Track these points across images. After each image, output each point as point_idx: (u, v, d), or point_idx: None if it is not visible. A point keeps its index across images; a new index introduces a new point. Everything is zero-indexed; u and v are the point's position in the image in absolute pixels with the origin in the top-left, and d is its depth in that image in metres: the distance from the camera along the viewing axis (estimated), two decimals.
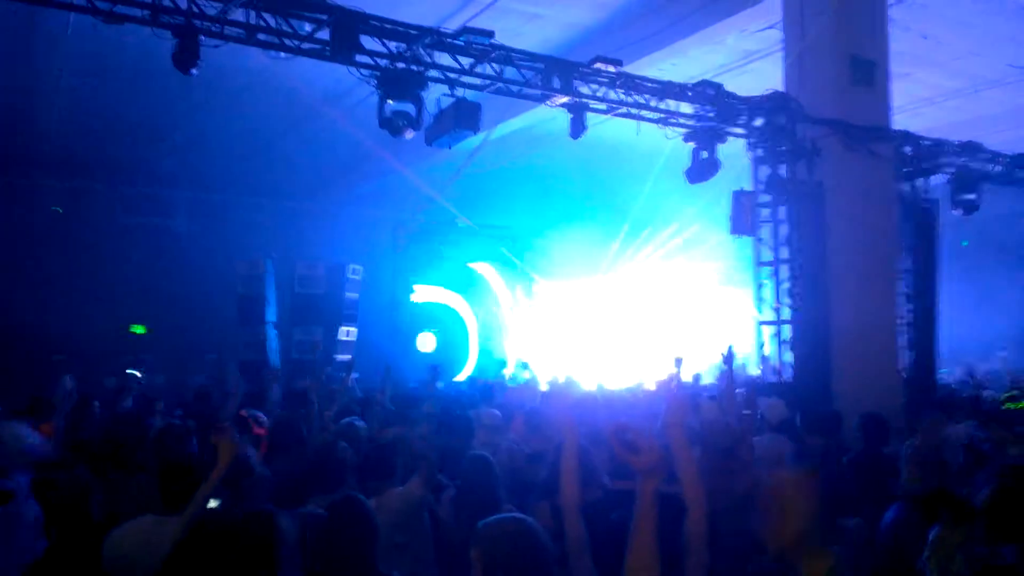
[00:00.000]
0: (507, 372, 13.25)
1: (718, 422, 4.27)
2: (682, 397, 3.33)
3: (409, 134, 6.32)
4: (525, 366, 13.16)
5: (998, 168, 10.27)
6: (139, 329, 13.45)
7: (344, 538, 3.02)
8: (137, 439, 4.58)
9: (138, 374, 10.18)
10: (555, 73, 7.33)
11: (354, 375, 10.85)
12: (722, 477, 3.25)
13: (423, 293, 14.56)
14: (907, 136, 8.95)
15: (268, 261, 11.80)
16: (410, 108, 6.29)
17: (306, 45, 6.18)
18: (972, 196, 9.79)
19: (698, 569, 2.70)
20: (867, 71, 8.29)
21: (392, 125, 6.27)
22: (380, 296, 13.61)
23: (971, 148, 9.82)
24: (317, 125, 11.95)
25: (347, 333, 12.59)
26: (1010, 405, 5.01)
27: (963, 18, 10.59)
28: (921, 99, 12.73)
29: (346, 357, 12.19)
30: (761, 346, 8.75)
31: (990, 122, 12.96)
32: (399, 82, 6.22)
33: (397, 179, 13.16)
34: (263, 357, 11.22)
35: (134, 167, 12.93)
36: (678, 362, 4.15)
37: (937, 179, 9.79)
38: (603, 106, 7.73)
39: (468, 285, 15.25)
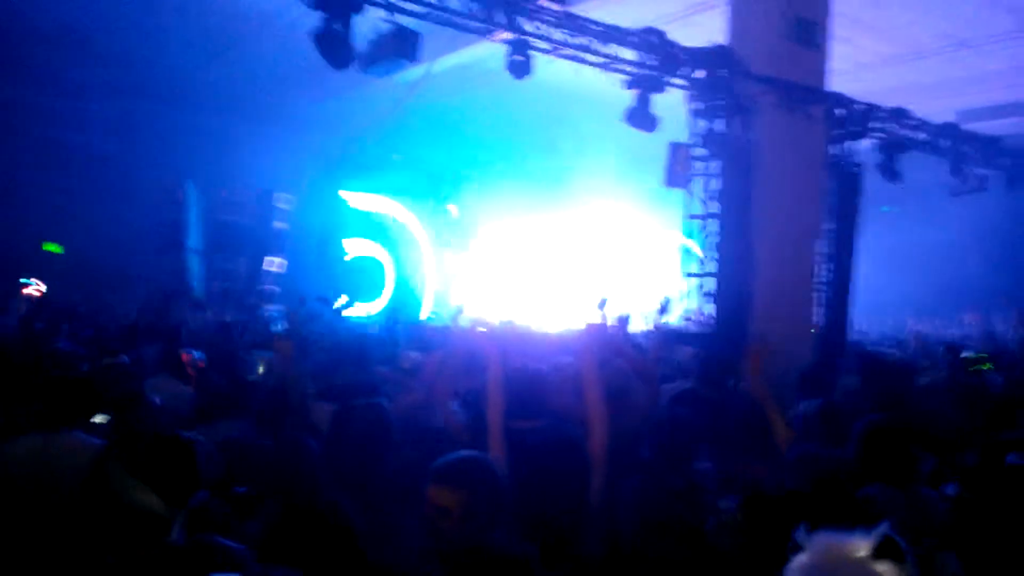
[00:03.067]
0: (440, 313, 13.22)
1: (611, 364, 4.39)
2: (597, 328, 3.42)
3: (345, 60, 6.10)
4: (459, 311, 13.13)
5: (923, 136, 10.58)
6: (53, 248, 12.86)
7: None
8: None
9: (39, 288, 9.64)
10: (499, 7, 7.15)
11: (278, 308, 10.72)
12: (612, 417, 3.37)
13: (360, 201, 14.12)
14: (840, 99, 9.11)
15: (190, 184, 11.38)
16: (343, 30, 6.05)
17: None
18: (896, 162, 10.08)
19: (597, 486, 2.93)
20: (809, 31, 8.36)
21: (326, 47, 6.03)
22: (309, 227, 13.29)
23: (899, 114, 10.08)
24: (250, 43, 11.43)
25: (271, 263, 12.30)
26: (980, 367, 5.26)
27: None
28: (859, 63, 12.94)
29: (274, 288, 11.97)
30: (685, 296, 8.95)
31: (923, 91, 13.29)
32: (335, 3, 5.96)
33: (332, 107, 12.77)
34: (183, 285, 10.92)
35: (52, 77, 12.16)
36: (602, 303, 4.21)
37: (865, 144, 10.03)
38: (547, 46, 7.61)
39: (402, 223, 15.01)
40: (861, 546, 1.51)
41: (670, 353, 7.12)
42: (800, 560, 1.54)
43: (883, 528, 1.53)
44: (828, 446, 4.02)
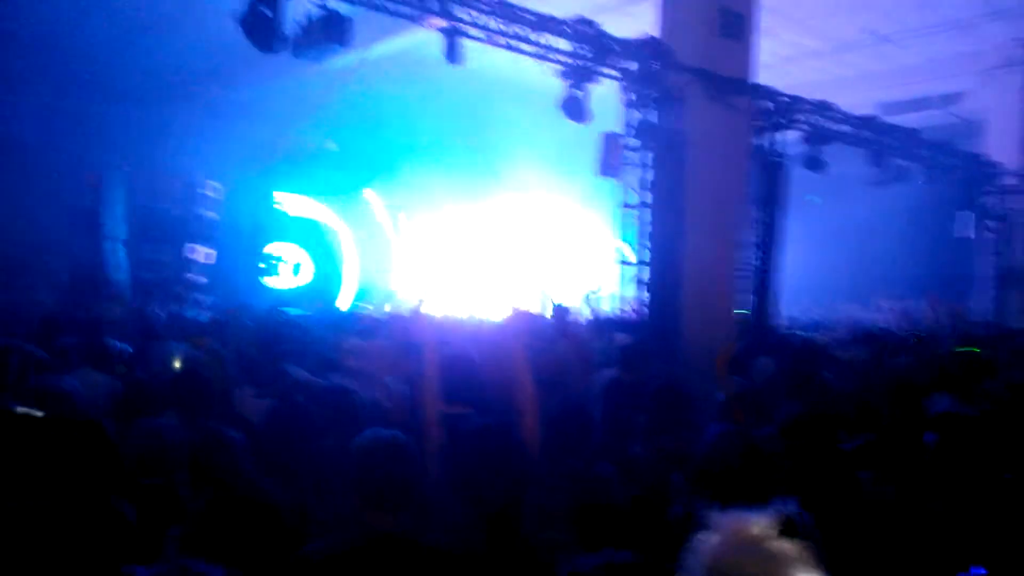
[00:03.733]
0: (367, 302, 13.12)
1: (543, 352, 4.48)
2: (523, 315, 3.48)
3: (273, 44, 5.97)
4: (391, 298, 13.07)
5: (846, 128, 10.96)
6: None
7: None
8: None
9: None
10: None
11: (210, 299, 10.46)
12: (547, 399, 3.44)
13: (290, 203, 13.93)
14: (765, 91, 9.36)
15: (117, 172, 10.97)
16: (272, 14, 5.93)
17: None
18: (820, 154, 10.42)
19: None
20: (736, 24, 8.56)
21: (253, 31, 5.90)
22: (239, 217, 12.97)
23: (823, 107, 10.41)
24: (176, 28, 11.06)
25: (195, 251, 11.93)
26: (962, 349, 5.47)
27: None
28: (784, 57, 13.32)
29: (201, 279, 11.66)
30: (619, 285, 9.09)
31: (845, 84, 13.78)
32: None
33: (264, 93, 12.47)
34: (101, 273, 10.53)
35: None
36: (545, 295, 4.27)
37: (792, 135, 10.33)
38: (480, 34, 7.59)
39: (333, 212, 14.79)
40: (765, 524, 1.53)
41: (608, 340, 7.25)
42: (705, 538, 1.54)
43: (788, 506, 1.58)
44: (748, 427, 4.17)
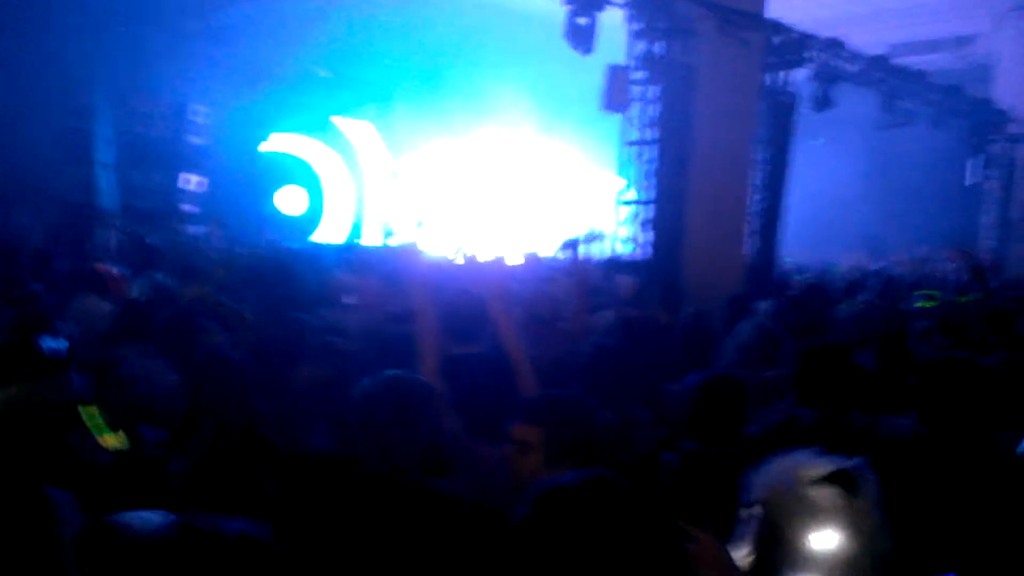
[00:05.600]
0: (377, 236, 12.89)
1: (541, 292, 4.34)
2: (504, 267, 3.34)
3: None
4: (390, 232, 12.84)
5: (856, 68, 10.64)
6: None
7: None
8: None
9: None
10: None
11: (201, 229, 10.22)
12: (538, 345, 3.32)
13: (280, 143, 13.60)
14: (778, 26, 9.03)
15: (99, 94, 10.55)
16: None
17: None
18: (828, 93, 10.13)
19: None
20: None
21: None
22: (230, 144, 12.60)
23: (834, 45, 10.08)
24: None
25: (188, 181, 11.62)
26: (923, 304, 5.35)
27: None
28: None
29: (193, 209, 11.37)
30: (620, 224, 8.90)
31: (857, 21, 13.35)
32: None
33: (254, 15, 12.00)
34: (92, 200, 10.24)
35: None
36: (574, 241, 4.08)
37: (798, 74, 10.01)
38: None
39: (327, 141, 14.42)
40: (817, 470, 1.56)
41: (606, 282, 7.11)
42: (761, 474, 1.62)
43: (854, 461, 1.56)
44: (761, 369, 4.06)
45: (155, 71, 11.64)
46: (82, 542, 1.42)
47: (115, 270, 5.48)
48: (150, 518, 1.32)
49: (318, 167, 14.30)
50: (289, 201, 13.65)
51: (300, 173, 13.94)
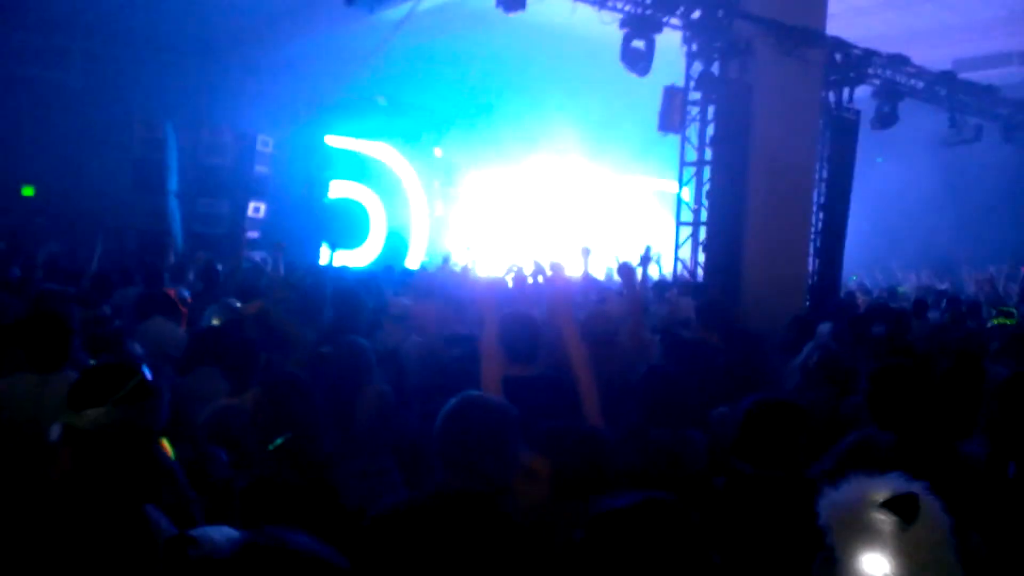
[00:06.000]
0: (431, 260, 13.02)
1: (598, 311, 4.31)
2: (565, 286, 3.33)
3: None
4: (447, 259, 12.98)
5: (921, 84, 10.38)
6: (28, 191, 12.47)
7: None
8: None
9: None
10: None
11: (261, 254, 10.47)
12: (596, 364, 3.28)
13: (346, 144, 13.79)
14: (839, 43, 8.88)
15: (169, 124, 10.98)
16: None
17: None
18: (893, 110, 9.90)
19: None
20: None
21: None
22: (292, 171, 12.95)
23: (898, 61, 9.86)
24: None
25: (256, 209, 11.99)
26: (1001, 320, 5.16)
27: None
28: (854, 7, 12.64)
29: (254, 235, 11.69)
30: (678, 246, 8.81)
31: (919, 37, 13.02)
32: None
33: (315, 48, 12.35)
34: (164, 227, 10.63)
35: (27, 12, 11.60)
36: (586, 252, 4.05)
37: (860, 92, 9.81)
38: None
39: (386, 168, 14.66)
40: (882, 493, 1.53)
41: (661, 303, 7.04)
42: (830, 497, 1.59)
43: (917, 486, 1.54)
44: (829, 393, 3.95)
45: (222, 103, 12.08)
46: (166, 555, 1.46)
47: (185, 293, 5.66)
48: (228, 532, 1.36)
49: (379, 180, 14.45)
50: (345, 225, 13.82)
51: (371, 173, 14.05)
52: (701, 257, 8.42)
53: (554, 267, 3.97)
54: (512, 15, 7.15)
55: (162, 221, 10.78)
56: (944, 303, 7.70)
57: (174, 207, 11.11)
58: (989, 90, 11.57)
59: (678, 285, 8.00)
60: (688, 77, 8.31)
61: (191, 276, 7.23)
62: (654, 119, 8.44)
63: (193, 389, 3.70)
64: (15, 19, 11.83)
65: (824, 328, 5.66)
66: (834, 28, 8.93)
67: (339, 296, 5.11)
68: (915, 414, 3.04)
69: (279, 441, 2.70)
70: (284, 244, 7.46)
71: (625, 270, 4.89)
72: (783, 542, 2.55)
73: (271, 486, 2.56)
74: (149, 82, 11.58)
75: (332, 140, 13.31)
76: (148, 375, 1.87)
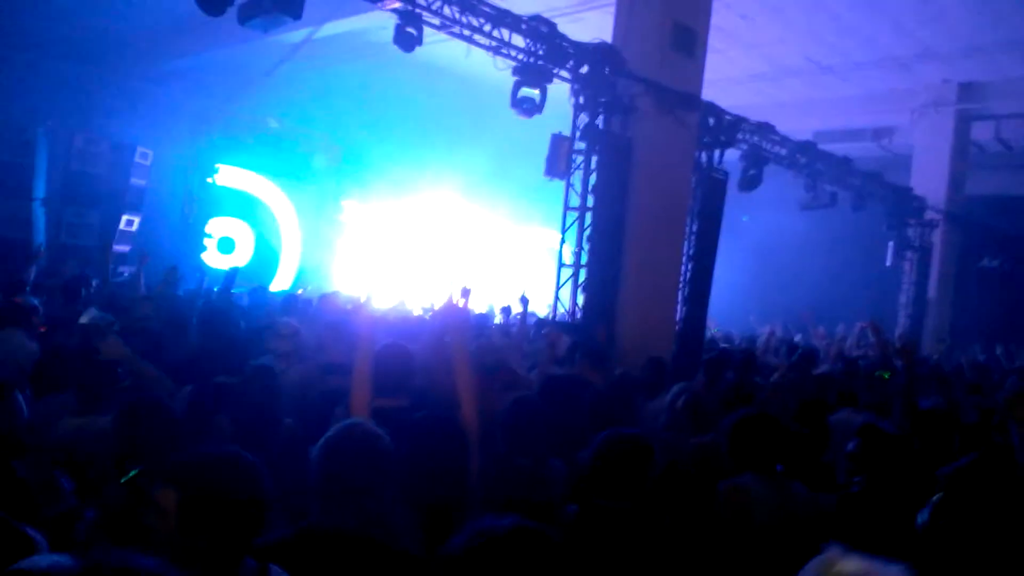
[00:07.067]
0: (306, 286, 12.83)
1: (485, 342, 4.47)
2: (461, 315, 3.46)
3: (220, 7, 5.77)
4: (325, 281, 12.83)
5: (784, 151, 11.28)
6: None
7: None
8: None
9: None
10: None
11: (130, 269, 10.05)
12: (484, 395, 3.43)
13: (229, 177, 13.44)
14: (712, 108, 9.56)
15: (40, 128, 10.42)
16: None
17: None
18: (758, 173, 10.69)
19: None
20: (688, 39, 8.70)
21: None
22: (171, 187, 12.51)
23: (764, 129, 10.69)
24: None
25: (129, 223, 11.51)
26: (881, 374, 5.62)
27: (778, 6, 11.41)
28: (729, 77, 13.63)
29: (124, 248, 11.20)
30: (559, 287, 9.13)
31: (784, 109, 14.18)
32: None
33: (209, 64, 12.10)
34: (27, 235, 10.02)
35: None
36: (465, 292, 4.18)
37: (730, 154, 10.56)
38: (436, 20, 7.52)
39: (267, 199, 14.37)
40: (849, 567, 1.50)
41: (539, 339, 7.30)
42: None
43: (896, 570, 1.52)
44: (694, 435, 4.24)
45: (98, 109, 11.57)
46: None
47: (32, 301, 5.41)
48: (59, 561, 1.24)
49: (264, 208, 14.21)
50: (229, 241, 13.47)
51: (246, 209, 13.79)
52: (580, 298, 8.76)
53: (463, 292, 4.09)
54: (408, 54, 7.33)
55: (24, 229, 10.16)
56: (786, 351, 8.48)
57: (39, 214, 10.51)
58: (844, 161, 12.70)
59: (556, 324, 8.28)
60: (575, 127, 8.71)
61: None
62: (542, 165, 8.79)
63: (43, 407, 3.56)
64: None
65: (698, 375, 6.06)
66: (711, 93, 9.62)
67: (208, 317, 5.03)
68: (773, 458, 3.37)
69: (132, 473, 2.56)
70: (148, 257, 7.26)
71: (504, 311, 5.08)
72: (629, 571, 2.76)
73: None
74: (25, 85, 10.97)
75: (219, 172, 12.99)
76: None
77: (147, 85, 12.25)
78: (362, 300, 4.31)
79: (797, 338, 11.16)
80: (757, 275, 16.36)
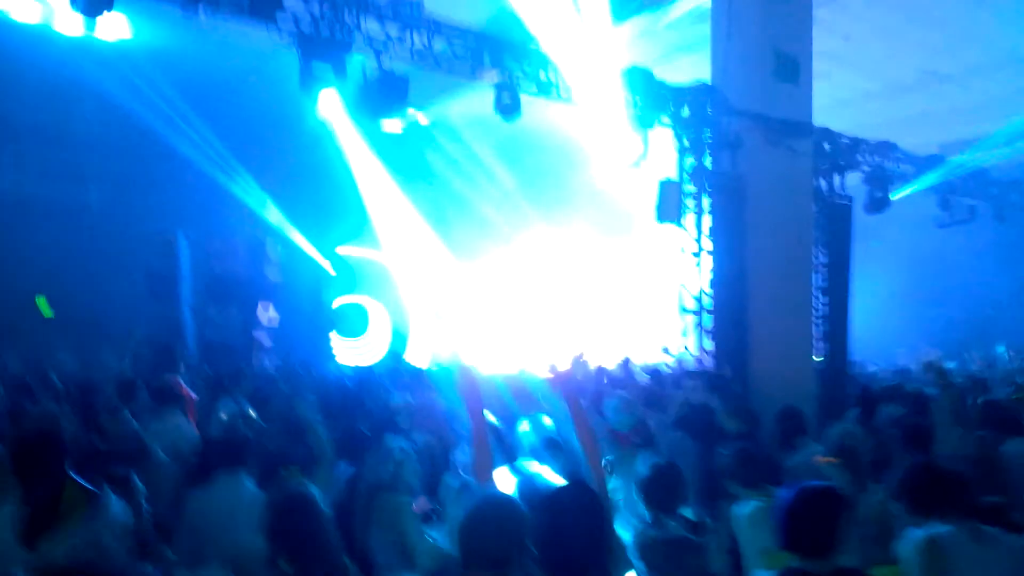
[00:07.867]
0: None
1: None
2: (577, 389, 3.39)
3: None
4: (455, 356, 12.97)
5: (910, 168, 10.68)
6: (43, 307, 12.63)
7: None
8: None
9: None
10: (486, 49, 7.22)
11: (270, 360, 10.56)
12: None
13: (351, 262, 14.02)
14: (826, 133, 9.21)
15: (180, 234, 11.27)
16: (331, 72, 6.09)
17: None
18: (883, 195, 10.14)
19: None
20: (791, 67, 8.48)
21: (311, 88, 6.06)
22: (299, 277, 13.17)
23: (886, 147, 10.19)
24: (236, 94, 11.52)
25: (267, 308, 12.13)
26: (1017, 396, 5.16)
27: (882, 22, 10.97)
28: (839, 100, 13.11)
29: (266, 342, 11.80)
30: (684, 335, 8.88)
31: (902, 125, 13.45)
32: (321, 46, 6.01)
33: (321, 156, 12.81)
34: (179, 338, 10.73)
35: (44, 132, 12.11)
36: (578, 361, 4.03)
37: (852, 179, 10.09)
38: (534, 87, 7.68)
39: (391, 270, 14.78)
40: None
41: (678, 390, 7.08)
42: None
43: None
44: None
45: (226, 211, 12.40)
46: None
47: (185, 387, 5.71)
48: None
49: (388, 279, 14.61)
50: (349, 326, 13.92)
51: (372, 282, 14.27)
52: (707, 344, 8.46)
53: (576, 360, 4.00)
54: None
55: (176, 332, 10.89)
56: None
57: (188, 317, 11.27)
58: (980, 171, 11.88)
59: (686, 373, 8.02)
60: (681, 170, 8.59)
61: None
62: None
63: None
64: (32, 138, 12.28)
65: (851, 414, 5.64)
66: (820, 119, 9.27)
67: (346, 402, 5.15)
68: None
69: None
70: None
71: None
72: None
73: None
74: (157, 192, 11.90)
75: (340, 251, 13.61)
76: None
77: (272, 182, 13.04)
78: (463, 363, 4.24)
79: (951, 365, 10.30)
80: (899, 302, 15.31)
